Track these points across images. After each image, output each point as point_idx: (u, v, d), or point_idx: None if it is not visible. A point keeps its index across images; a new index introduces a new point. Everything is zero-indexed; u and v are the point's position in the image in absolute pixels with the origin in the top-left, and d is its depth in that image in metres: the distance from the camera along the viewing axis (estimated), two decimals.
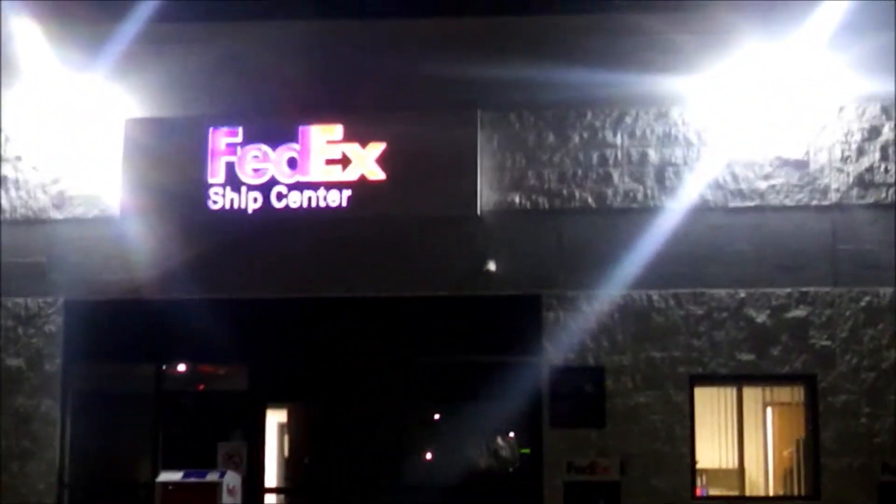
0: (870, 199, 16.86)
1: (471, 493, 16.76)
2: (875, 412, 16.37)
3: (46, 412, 17.28)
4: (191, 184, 17.27)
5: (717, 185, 17.03)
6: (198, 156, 17.31)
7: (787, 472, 17.61)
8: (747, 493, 16.97)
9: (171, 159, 17.29)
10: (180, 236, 17.26)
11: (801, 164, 16.99)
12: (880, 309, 16.58)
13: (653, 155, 17.17)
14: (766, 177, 17.01)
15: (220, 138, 17.33)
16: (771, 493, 17.42)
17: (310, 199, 17.08)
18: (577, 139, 17.30)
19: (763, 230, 16.89)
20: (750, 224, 16.92)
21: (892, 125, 16.96)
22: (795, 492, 17.08)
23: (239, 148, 17.27)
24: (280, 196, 17.13)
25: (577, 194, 17.18)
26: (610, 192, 17.16)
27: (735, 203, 16.98)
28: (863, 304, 16.60)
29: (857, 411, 16.40)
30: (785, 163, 16.99)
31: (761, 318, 16.69)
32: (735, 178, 17.03)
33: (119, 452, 17.71)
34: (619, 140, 17.24)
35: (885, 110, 16.98)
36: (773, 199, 16.95)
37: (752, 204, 16.97)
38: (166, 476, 15.87)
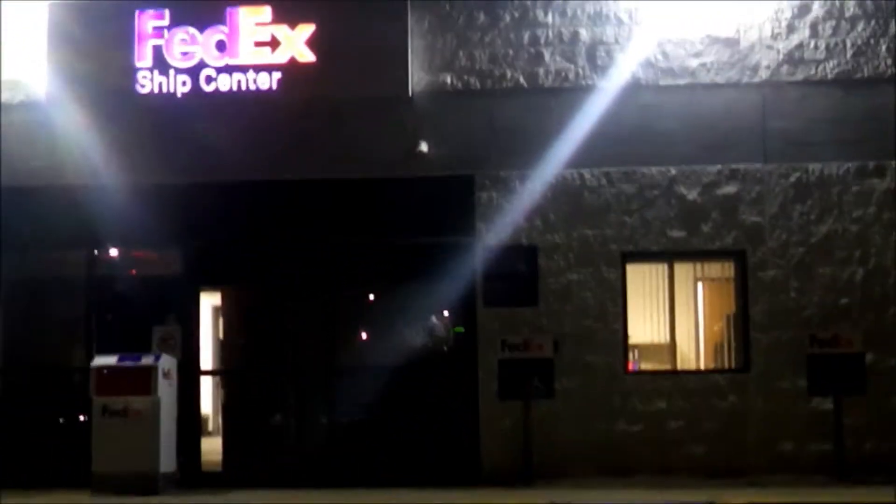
0: (799, 76, 16.95)
1: (406, 373, 16.88)
2: (803, 286, 16.61)
3: None
4: (118, 68, 17.09)
5: (649, 64, 17.06)
6: (124, 39, 17.11)
7: (717, 347, 17.86)
8: (679, 368, 17.18)
9: (98, 43, 17.09)
10: (108, 121, 17.09)
11: (732, 42, 17.02)
12: (809, 185, 16.75)
13: (584, 34, 17.16)
14: (697, 54, 17.05)
15: (147, 21, 17.14)
16: (702, 367, 17.65)
17: (239, 81, 16.96)
18: (508, 19, 17.23)
19: (694, 108, 16.97)
20: (681, 102, 16.99)
21: (822, 2, 16.99)
22: (726, 365, 17.36)
23: (166, 31, 17.09)
24: (209, 79, 16.99)
25: (508, 74, 17.15)
26: (541, 71, 17.14)
27: (666, 81, 17.03)
28: (792, 180, 16.76)
29: (785, 286, 16.64)
30: (715, 40, 17.02)
31: (692, 195, 16.82)
32: (666, 56, 17.06)
33: (53, 338, 17.70)
34: (550, 19, 17.19)
35: None
36: (704, 77, 17.02)
37: (682, 82, 17.03)
38: (101, 360, 15.84)
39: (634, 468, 16.30)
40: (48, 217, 17.09)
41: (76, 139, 17.04)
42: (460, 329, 17.15)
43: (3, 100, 17.30)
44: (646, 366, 17.56)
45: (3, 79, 17.30)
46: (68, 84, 17.06)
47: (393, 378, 16.77)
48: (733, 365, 17.07)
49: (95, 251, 17.48)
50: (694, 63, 17.02)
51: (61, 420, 17.18)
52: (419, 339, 17.32)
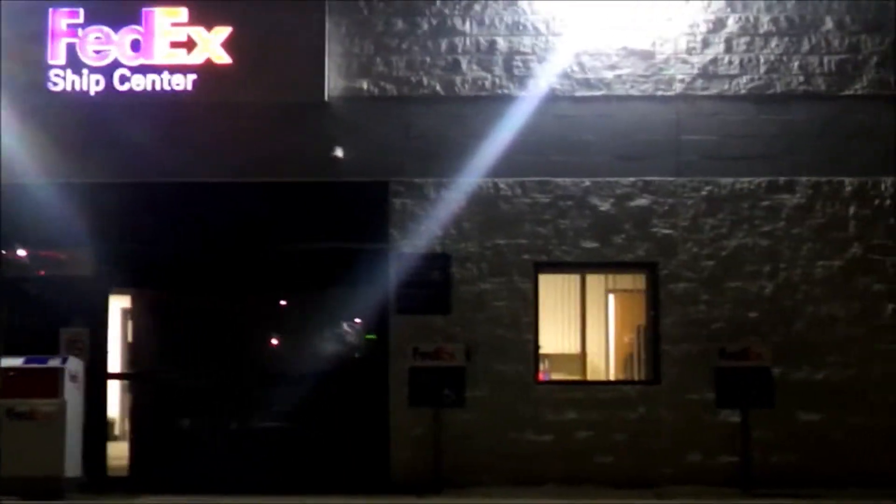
0: (713, 91, 17.11)
1: (317, 379, 16.80)
2: (713, 299, 16.76)
3: None
4: (32, 65, 16.87)
5: (565, 75, 17.13)
6: (39, 36, 16.90)
7: (628, 358, 17.99)
8: (589, 378, 17.27)
9: (11, 39, 16.81)
10: (21, 119, 16.81)
11: (647, 55, 17.15)
12: (720, 198, 16.90)
13: (501, 43, 17.20)
14: (613, 67, 17.15)
15: (61, 19, 16.93)
16: (613, 378, 17.75)
17: (154, 82, 16.81)
18: (426, 26, 17.24)
19: (609, 120, 17.06)
20: (596, 113, 17.07)
21: (737, 17, 17.16)
22: (636, 377, 17.47)
23: (80, 29, 16.90)
24: (123, 79, 16.82)
25: (425, 81, 17.16)
26: (458, 79, 17.17)
27: (582, 92, 17.11)
28: (704, 193, 16.91)
29: (696, 298, 16.77)
30: (631, 53, 17.14)
31: (605, 206, 16.91)
32: (582, 67, 17.14)
33: None
34: (467, 28, 17.22)
35: (729, 3, 17.18)
36: (619, 89, 17.12)
37: (598, 94, 17.12)
38: (7, 362, 15.53)
39: (544, 477, 16.31)
40: None
41: None
42: (373, 336, 17.11)
43: None
44: (556, 376, 17.62)
45: None
46: None
47: (304, 384, 16.67)
48: (643, 376, 17.18)
49: (3, 251, 17.18)
50: (610, 75, 17.13)
51: None
52: (331, 345, 17.27)
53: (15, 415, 15.27)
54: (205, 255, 17.14)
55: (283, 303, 17.72)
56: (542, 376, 17.15)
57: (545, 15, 17.21)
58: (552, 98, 17.07)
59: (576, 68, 17.16)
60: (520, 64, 17.17)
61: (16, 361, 15.58)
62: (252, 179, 16.94)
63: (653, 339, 16.91)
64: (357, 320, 17.35)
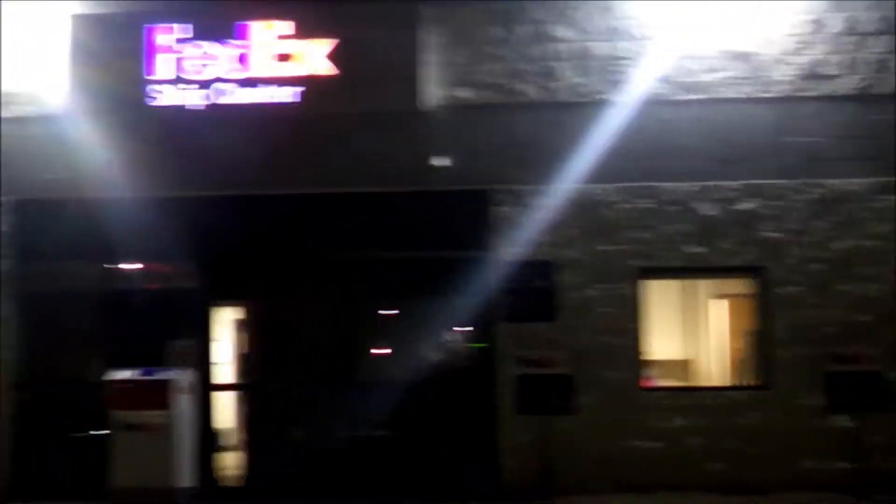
0: (816, 92, 16.91)
1: (424, 388, 16.81)
2: (823, 303, 16.55)
3: (0, 312, 17.16)
4: (136, 81, 16.96)
5: (664, 79, 17.00)
6: (143, 52, 17.01)
7: (736, 363, 17.82)
8: (697, 384, 17.12)
9: (117, 56, 16.95)
10: (127, 134, 16.98)
11: (748, 57, 16.99)
12: (828, 200, 16.71)
13: (599, 48, 17.12)
14: (713, 69, 17.01)
15: (166, 34, 17.02)
16: (720, 384, 17.58)
17: (255, 95, 16.87)
18: (522, 33, 17.20)
19: (709, 123, 16.91)
20: (696, 117, 16.93)
21: (839, 17, 16.97)
22: (745, 382, 17.29)
23: (185, 44, 16.99)
24: (225, 92, 16.90)
25: (524, 89, 17.13)
26: (556, 85, 17.12)
27: (682, 96, 16.98)
28: (810, 195, 16.73)
29: (805, 302, 16.58)
30: (731, 55, 16.99)
31: (710, 210, 16.76)
32: (682, 70, 17.01)
33: (72, 352, 17.50)
34: (565, 34, 17.16)
35: (831, 2, 16.99)
36: (720, 92, 16.96)
37: (698, 97, 16.97)
38: (117, 374, 15.77)
39: (653, 485, 16.21)
40: (65, 230, 17.00)
41: (92, 152, 16.94)
42: (478, 344, 17.08)
43: (25, 113, 17.27)
44: (664, 382, 17.47)
45: (25, 92, 17.26)
46: (88, 97, 16.93)
47: (412, 393, 16.69)
48: (752, 382, 16.99)
49: (111, 264, 17.39)
50: (709, 78, 16.99)
51: (81, 434, 17.04)
52: (437, 354, 17.24)
53: (127, 426, 15.51)
54: (309, 266, 17.21)
55: (388, 312, 17.70)
56: (649, 383, 17.01)
57: (642, 19, 17.10)
58: (651, 102, 16.93)
59: (675, 72, 17.02)
60: (618, 69, 17.07)
61: (126, 374, 15.78)
62: (354, 189, 16.99)
63: (761, 344, 16.74)
64: (462, 329, 17.31)
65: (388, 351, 17.41)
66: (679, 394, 16.87)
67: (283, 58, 16.90)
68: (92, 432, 16.59)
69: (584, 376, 16.36)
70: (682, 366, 17.30)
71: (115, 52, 16.98)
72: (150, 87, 17.01)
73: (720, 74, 16.98)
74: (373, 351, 17.43)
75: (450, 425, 16.91)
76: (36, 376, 17.35)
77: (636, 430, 16.49)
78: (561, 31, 17.17)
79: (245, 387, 17.84)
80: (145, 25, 17.04)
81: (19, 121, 17.27)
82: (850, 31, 16.93)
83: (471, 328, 17.24)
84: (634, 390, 16.61)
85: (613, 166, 16.74)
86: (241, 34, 16.95)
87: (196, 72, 16.96)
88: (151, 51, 17.03)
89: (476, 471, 16.62)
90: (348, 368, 17.14)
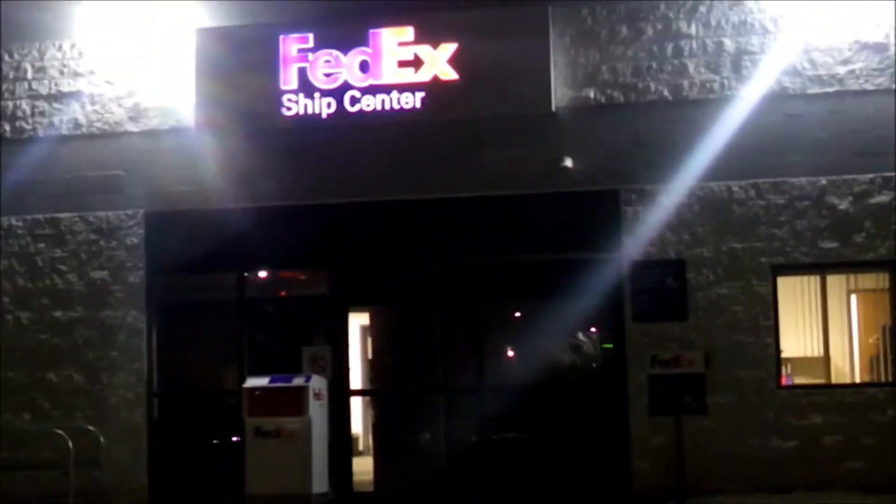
0: None
1: (554, 390, 16.82)
2: None
3: (132, 323, 17.56)
4: (263, 92, 17.28)
5: (795, 72, 16.73)
6: (270, 63, 17.29)
7: (873, 359, 17.50)
8: (833, 381, 16.82)
9: (243, 68, 17.30)
10: (255, 145, 17.31)
11: (881, 47, 16.62)
12: None
13: (728, 44, 16.91)
14: (845, 61, 16.69)
15: (292, 45, 17.29)
16: (857, 381, 17.28)
17: (383, 102, 17.03)
18: (650, 31, 17.07)
19: (843, 116, 16.58)
20: (829, 110, 16.62)
21: None
22: (882, 378, 17.00)
23: (310, 54, 17.23)
24: (353, 100, 17.09)
25: (652, 87, 16.99)
26: (686, 83, 16.95)
27: (813, 89, 16.69)
28: None
29: None
30: (864, 46, 16.64)
31: (843, 205, 16.47)
32: (813, 63, 16.72)
33: (204, 361, 17.96)
34: (693, 30, 16.98)
35: None
36: (853, 84, 16.64)
37: (831, 90, 16.67)
38: (253, 382, 15.97)
39: (790, 484, 15.97)
40: (197, 241, 17.29)
41: (223, 163, 17.31)
42: (609, 345, 17.02)
43: (153, 126, 17.66)
44: (799, 380, 17.20)
45: (154, 105, 17.63)
46: (215, 109, 17.32)
47: (542, 395, 16.74)
48: (890, 378, 16.68)
49: (244, 273, 17.72)
50: (842, 70, 16.66)
51: (216, 441, 17.41)
52: (567, 355, 17.24)
53: (262, 433, 15.66)
54: (438, 270, 17.31)
55: (518, 314, 17.76)
56: (784, 381, 16.77)
57: (772, 13, 16.85)
58: (782, 97, 16.69)
59: (806, 65, 16.74)
60: (748, 64, 16.84)
61: (261, 381, 15.99)
62: (482, 193, 17.03)
63: None
64: (592, 329, 17.27)
65: (520, 353, 17.43)
66: (815, 391, 16.55)
67: (406, 64, 17.03)
68: (227, 439, 16.92)
69: (717, 375, 16.17)
70: (819, 363, 16.98)
71: (241, 63, 17.32)
72: (279, 97, 17.24)
73: (853, 66, 16.64)
74: (504, 353, 17.48)
75: (581, 427, 16.87)
76: (171, 386, 17.78)
77: (772, 429, 16.24)
78: (689, 28, 16.99)
79: (376, 392, 18.00)
80: (272, 36, 17.29)
81: (150, 134, 17.69)
82: None
83: (602, 329, 17.19)
84: (769, 388, 16.37)
85: (744, 162, 16.54)
86: (365, 41, 17.09)
87: (324, 80, 17.16)
88: (280, 61, 17.29)
89: (607, 473, 16.57)
90: (479, 372, 17.17)
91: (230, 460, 16.34)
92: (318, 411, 15.83)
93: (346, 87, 17.11)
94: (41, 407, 17.58)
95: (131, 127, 17.74)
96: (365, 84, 17.07)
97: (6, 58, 18.13)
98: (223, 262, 17.49)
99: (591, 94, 17.06)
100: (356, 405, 18.11)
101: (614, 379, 16.70)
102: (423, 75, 16.97)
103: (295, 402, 15.68)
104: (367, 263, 17.48)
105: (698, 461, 16.00)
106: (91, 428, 17.05)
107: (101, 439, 16.95)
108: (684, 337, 16.50)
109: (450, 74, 16.92)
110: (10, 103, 18.08)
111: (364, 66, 17.09)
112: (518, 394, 16.79)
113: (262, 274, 17.96)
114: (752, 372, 16.37)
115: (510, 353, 17.58)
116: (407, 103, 16.96)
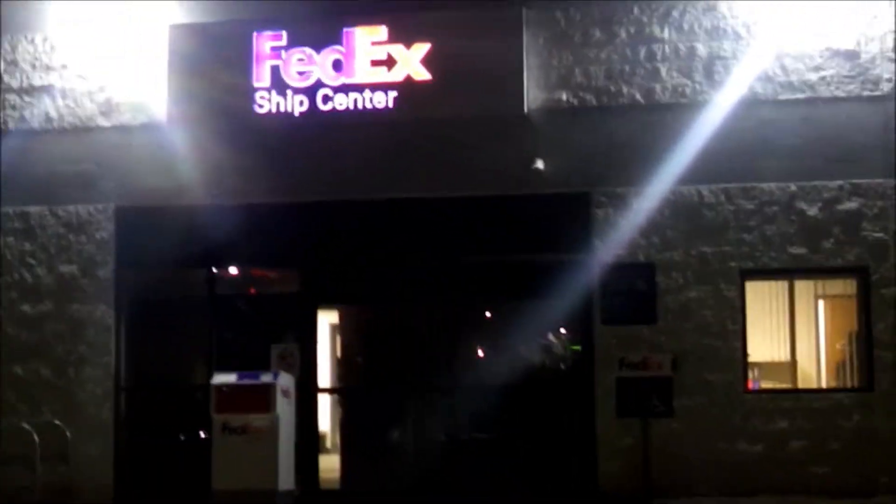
0: None
1: (523, 390, 16.84)
2: None
3: (101, 318, 17.51)
4: (236, 89, 17.26)
5: (767, 78, 16.81)
6: (243, 60, 17.28)
7: (839, 365, 17.56)
8: (800, 386, 16.89)
9: (216, 64, 17.29)
10: (227, 141, 17.27)
11: (852, 55, 16.71)
12: None
13: (701, 49, 16.97)
14: (817, 68, 16.77)
15: (265, 42, 17.28)
16: (824, 386, 17.36)
17: (355, 101, 17.04)
18: (623, 34, 17.12)
19: (813, 122, 16.66)
20: (800, 116, 16.70)
21: None
22: (848, 384, 17.05)
23: (283, 51, 17.23)
24: (326, 99, 17.09)
25: (624, 90, 17.04)
26: (658, 87, 16.99)
27: (785, 95, 16.76)
28: None
29: None
30: (835, 53, 16.73)
31: (812, 211, 16.54)
32: (785, 70, 16.80)
33: (173, 356, 17.88)
34: (666, 34, 17.04)
35: None
36: (824, 91, 16.72)
37: (802, 96, 16.75)
38: (221, 378, 15.92)
39: (757, 488, 16.02)
40: (168, 236, 17.26)
41: (195, 160, 17.26)
42: (577, 347, 17.05)
43: (125, 121, 17.62)
44: (766, 384, 17.26)
45: (126, 101, 17.59)
46: (188, 105, 17.30)
47: (510, 395, 16.75)
48: (857, 383, 16.74)
49: (215, 270, 17.69)
50: (813, 77, 16.75)
51: (183, 437, 17.37)
52: (536, 356, 17.27)
53: (229, 430, 15.61)
54: (409, 270, 17.30)
55: (488, 314, 17.79)
56: (751, 385, 16.83)
57: (745, 18, 16.92)
58: (754, 102, 16.77)
59: (778, 71, 16.82)
60: (720, 69, 16.91)
61: (229, 377, 15.93)
62: (454, 194, 17.04)
63: (866, 346, 16.46)
64: (562, 331, 17.30)
65: (489, 354, 17.46)
66: (782, 396, 16.62)
67: (379, 63, 17.04)
68: (194, 435, 16.89)
69: (685, 379, 16.24)
70: (786, 368, 17.04)
71: (214, 60, 17.32)
72: (251, 94, 17.23)
73: (825, 73, 16.72)
74: (472, 353, 17.50)
75: (549, 428, 16.92)
76: (139, 381, 17.74)
77: (739, 433, 16.31)
78: (662, 32, 17.04)
79: (343, 391, 17.99)
80: (246, 34, 17.27)
81: (121, 129, 17.65)
82: None
83: (571, 331, 17.22)
84: (737, 392, 16.44)
85: (715, 167, 16.61)
86: (339, 39, 17.09)
87: (297, 78, 17.15)
88: (253, 58, 17.28)
89: (574, 474, 16.61)
90: (447, 371, 17.22)
91: (197, 456, 16.24)
92: (285, 409, 15.79)
93: (319, 85, 17.11)
94: (8, 401, 17.49)
95: (103, 122, 17.70)
96: (338, 83, 17.07)
97: None
98: (193, 259, 17.47)
99: (564, 97, 17.10)
100: (324, 403, 18.06)
101: (583, 380, 16.73)
102: (396, 75, 16.97)
103: (262, 399, 15.63)
104: (337, 262, 17.46)
105: (666, 463, 16.07)
106: (58, 423, 17.03)
107: (68, 434, 16.93)
108: (653, 340, 16.55)
109: (423, 74, 16.94)
110: None
111: (337, 65, 17.09)
112: (487, 394, 16.82)
113: (233, 271, 17.93)
114: (719, 376, 16.43)
115: (480, 353, 17.60)
116: (379, 103, 16.96)
